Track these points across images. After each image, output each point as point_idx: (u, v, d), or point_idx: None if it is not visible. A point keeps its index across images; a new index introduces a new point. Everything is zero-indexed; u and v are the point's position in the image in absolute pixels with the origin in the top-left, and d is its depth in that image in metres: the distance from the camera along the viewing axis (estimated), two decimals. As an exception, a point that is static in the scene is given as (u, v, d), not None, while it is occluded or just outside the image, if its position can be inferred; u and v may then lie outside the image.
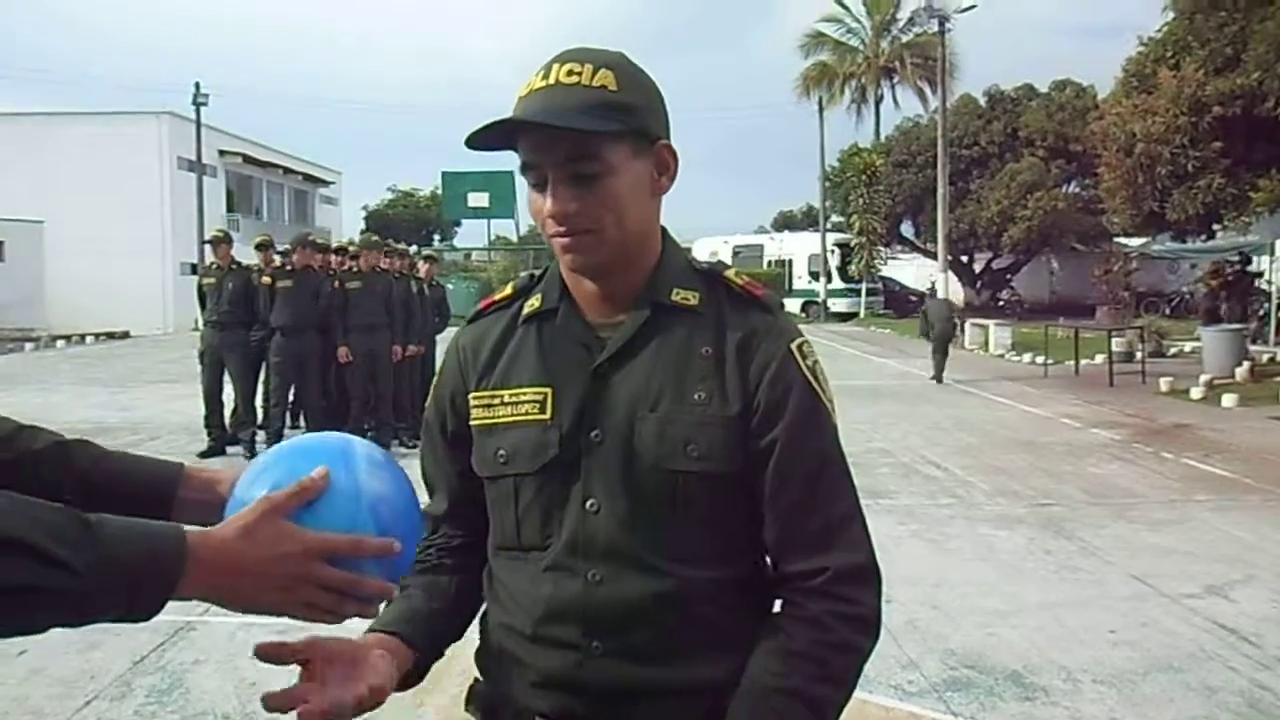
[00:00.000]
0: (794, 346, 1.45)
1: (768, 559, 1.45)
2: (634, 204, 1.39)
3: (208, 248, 10.50)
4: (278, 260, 10.18)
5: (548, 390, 1.44)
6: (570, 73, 1.35)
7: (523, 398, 1.45)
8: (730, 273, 1.50)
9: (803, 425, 1.40)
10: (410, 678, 1.47)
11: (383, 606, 1.43)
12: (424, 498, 1.52)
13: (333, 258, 10.50)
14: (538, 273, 1.56)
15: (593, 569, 1.39)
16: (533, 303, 1.51)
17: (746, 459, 1.39)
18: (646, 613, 1.37)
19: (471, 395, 1.50)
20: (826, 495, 1.41)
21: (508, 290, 1.57)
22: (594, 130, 1.33)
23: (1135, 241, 26.23)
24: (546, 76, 1.37)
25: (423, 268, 11.44)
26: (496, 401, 1.47)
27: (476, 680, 1.56)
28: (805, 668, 1.34)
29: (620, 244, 1.39)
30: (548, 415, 1.43)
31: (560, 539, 1.42)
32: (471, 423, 1.50)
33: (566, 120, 1.32)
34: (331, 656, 1.34)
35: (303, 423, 10.13)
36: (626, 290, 1.44)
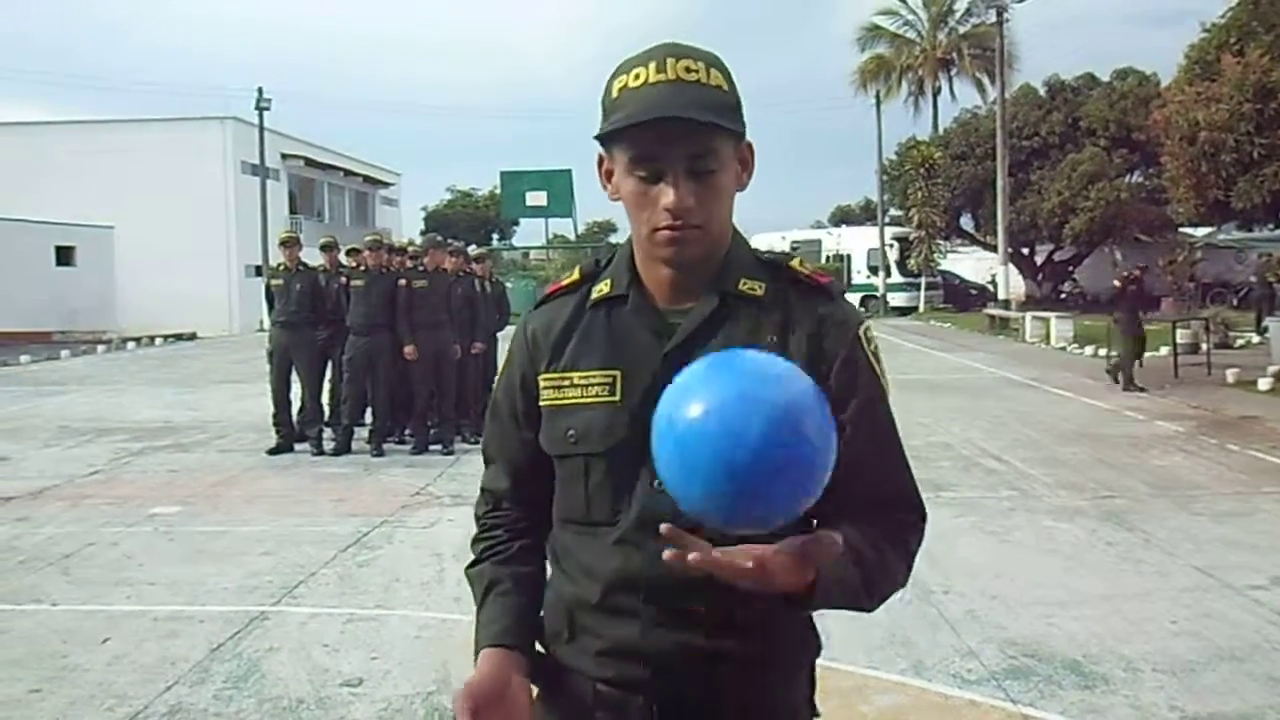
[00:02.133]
0: (861, 333, 1.53)
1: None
2: (730, 200, 1.50)
3: (276, 249, 10.72)
4: (343, 260, 10.39)
5: (617, 373, 1.50)
6: (689, 70, 1.42)
7: (593, 380, 1.51)
8: (795, 262, 1.58)
9: (872, 405, 1.51)
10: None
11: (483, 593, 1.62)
12: (477, 475, 1.63)
13: (397, 258, 10.66)
14: (603, 258, 1.62)
15: (660, 544, 1.42)
16: (601, 288, 1.56)
17: None
18: (707, 586, 1.41)
19: (541, 376, 1.56)
20: (895, 465, 1.55)
21: (575, 275, 1.62)
22: (734, 130, 1.43)
23: (1201, 231, 25.78)
24: (662, 70, 1.41)
25: (479, 267, 11.58)
26: (566, 383, 1.53)
27: (540, 654, 1.62)
28: (871, 541, 1.45)
29: (717, 238, 1.49)
30: (617, 397, 1.49)
31: (630, 515, 1.49)
32: (541, 403, 1.56)
33: (707, 118, 1.40)
34: (489, 701, 1.46)
35: (369, 419, 10.32)
36: (698, 279, 1.51)
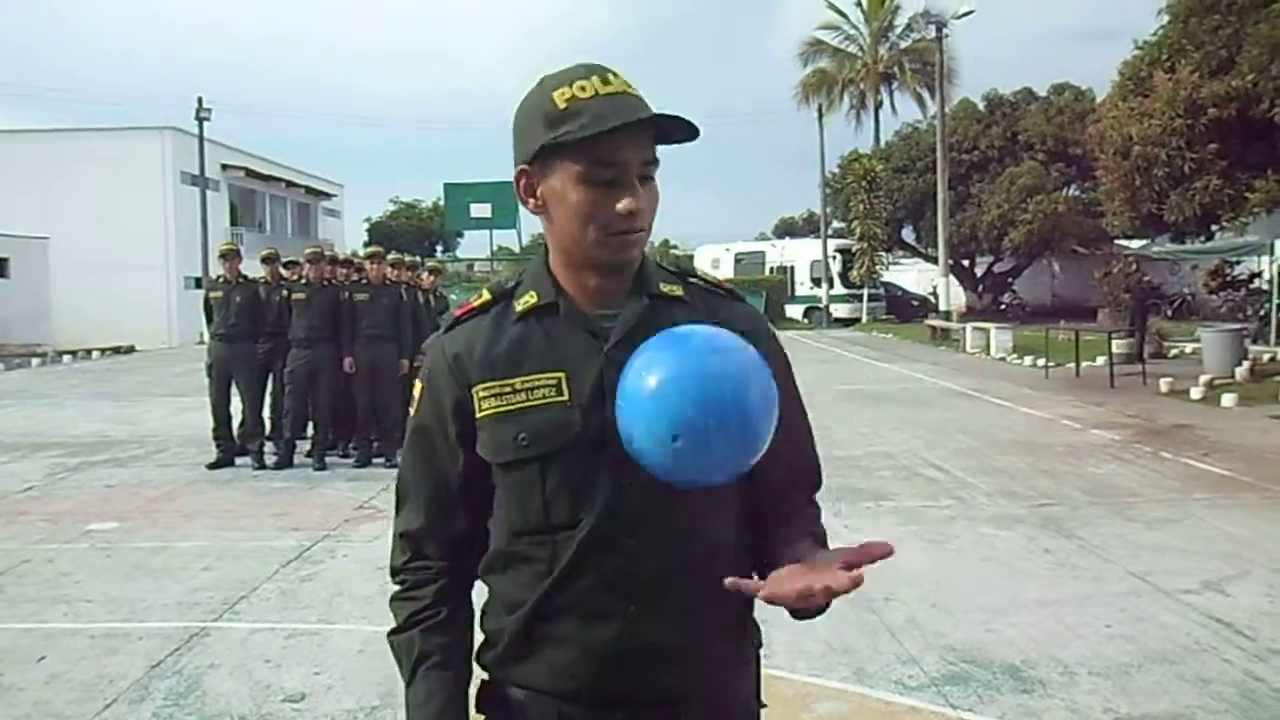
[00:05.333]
0: (769, 326, 1.68)
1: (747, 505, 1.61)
2: None
3: (216, 261, 10.61)
4: (284, 273, 10.30)
5: (562, 374, 1.51)
6: (626, 83, 1.49)
7: (539, 383, 1.52)
8: (699, 273, 1.67)
9: (789, 389, 1.60)
10: None
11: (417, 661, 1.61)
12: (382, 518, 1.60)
13: (339, 270, 10.59)
14: (511, 278, 1.64)
15: (630, 539, 1.48)
16: (527, 299, 1.57)
17: None
18: (680, 577, 1.50)
19: (477, 388, 1.54)
20: (809, 438, 1.70)
21: (485, 296, 1.63)
22: (690, 138, 1.50)
23: (1135, 244, 26.28)
24: (608, 83, 1.47)
25: (426, 279, 11.53)
26: (508, 390, 1.52)
27: (485, 682, 1.62)
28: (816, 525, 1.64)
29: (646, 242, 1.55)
30: (565, 396, 1.51)
31: (593, 513, 1.49)
32: (481, 415, 1.54)
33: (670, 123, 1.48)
34: None
35: (310, 432, 10.22)
36: (620, 285, 1.55)
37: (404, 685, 1.60)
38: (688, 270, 1.66)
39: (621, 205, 1.45)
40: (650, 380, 1.34)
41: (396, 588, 1.65)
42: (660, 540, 1.49)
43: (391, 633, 1.63)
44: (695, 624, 1.52)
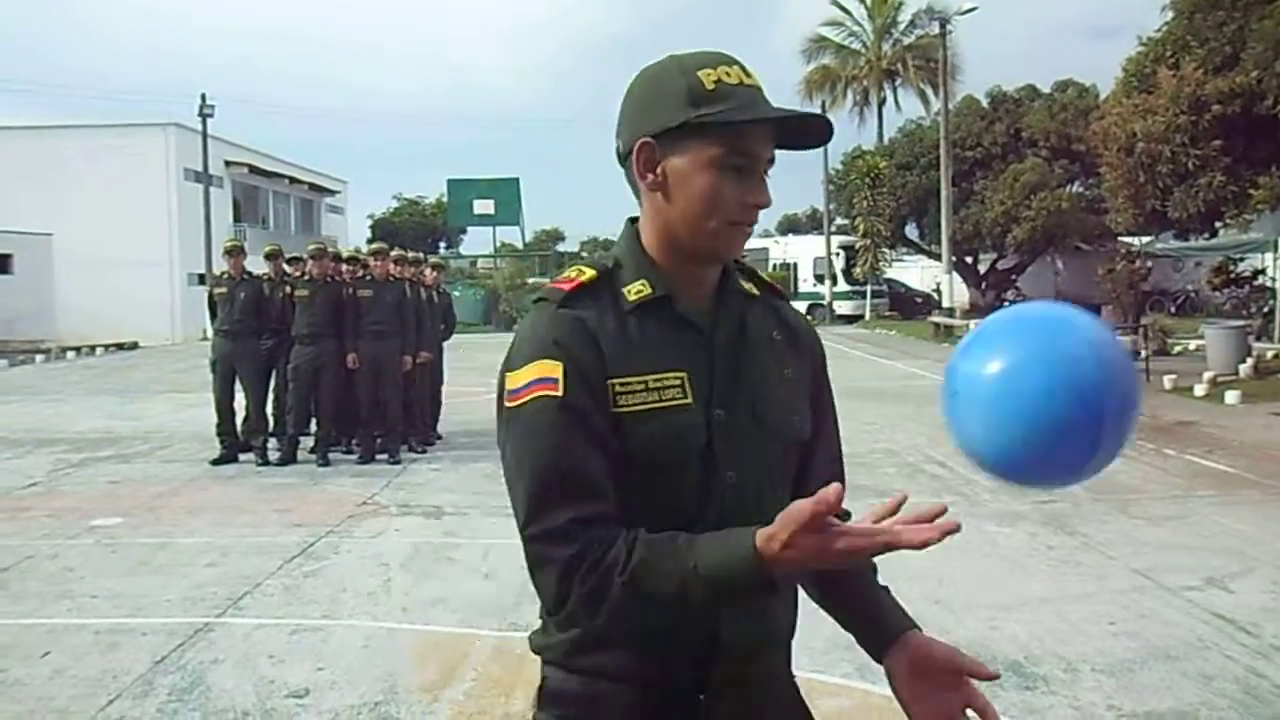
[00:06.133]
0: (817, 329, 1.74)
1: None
2: None
3: (220, 258, 10.62)
4: (287, 269, 10.31)
5: (684, 374, 1.48)
6: (757, 77, 1.51)
7: (666, 382, 1.47)
8: (758, 271, 1.70)
9: (828, 391, 1.72)
10: None
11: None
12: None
13: (343, 266, 10.61)
14: (606, 258, 1.58)
15: None
16: (639, 289, 1.51)
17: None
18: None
19: (613, 381, 1.46)
20: (839, 435, 1.75)
21: (591, 273, 1.54)
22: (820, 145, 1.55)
23: (1139, 241, 26.23)
24: (748, 75, 1.48)
25: (429, 275, 11.54)
26: (640, 387, 1.46)
27: (545, 679, 1.57)
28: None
29: None
30: (689, 398, 1.48)
31: (709, 513, 1.47)
32: (619, 409, 1.45)
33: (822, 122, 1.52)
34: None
35: (314, 428, 10.24)
36: (712, 279, 1.57)
37: (686, 567, 1.35)
38: (751, 268, 1.67)
39: (752, 197, 1.47)
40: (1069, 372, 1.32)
41: (586, 575, 1.38)
42: None
43: (627, 584, 1.36)
44: (770, 622, 1.57)
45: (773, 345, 1.60)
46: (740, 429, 1.51)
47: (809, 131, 1.50)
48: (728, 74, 1.45)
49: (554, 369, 1.43)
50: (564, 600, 1.39)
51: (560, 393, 1.42)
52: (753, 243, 39.18)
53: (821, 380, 1.69)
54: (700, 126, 1.43)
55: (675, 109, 1.45)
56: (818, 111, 1.50)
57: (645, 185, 1.50)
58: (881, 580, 1.70)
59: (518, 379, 1.45)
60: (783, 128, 1.48)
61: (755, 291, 1.62)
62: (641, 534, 1.39)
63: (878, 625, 1.64)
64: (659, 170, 1.48)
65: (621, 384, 1.45)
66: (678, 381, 1.48)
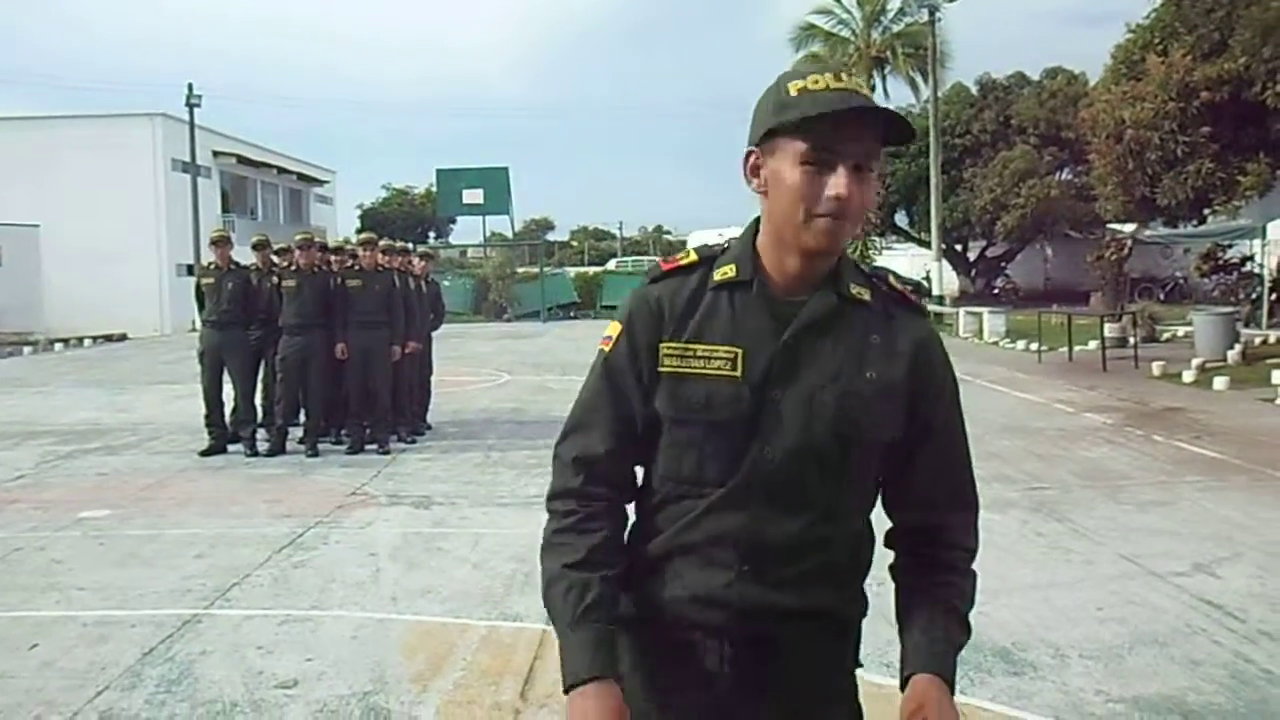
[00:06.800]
0: (941, 343, 1.76)
1: (899, 511, 1.80)
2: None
3: (208, 248, 10.57)
4: (276, 259, 10.26)
5: (739, 351, 1.64)
6: (860, 84, 1.58)
7: (716, 354, 1.64)
8: (891, 278, 1.75)
9: (954, 407, 1.76)
10: None
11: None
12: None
13: (332, 256, 10.57)
14: (723, 245, 1.74)
15: (759, 508, 1.63)
16: (726, 271, 1.68)
17: (905, 432, 1.69)
18: (794, 550, 1.64)
19: (664, 345, 1.67)
20: (968, 461, 1.82)
21: (692, 256, 1.74)
22: (906, 137, 1.60)
23: (1127, 228, 26.28)
24: (840, 80, 1.57)
25: (418, 264, 11.50)
26: (690, 354, 1.65)
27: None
28: (958, 593, 1.85)
29: (851, 235, 1.65)
30: (738, 373, 1.63)
31: (737, 479, 1.64)
32: (662, 369, 1.67)
33: (894, 115, 1.60)
34: None
35: (302, 419, 10.21)
36: (816, 274, 1.65)
37: (559, 620, 1.65)
38: (884, 274, 1.75)
39: (829, 189, 1.55)
40: None
41: (562, 512, 1.71)
42: (782, 516, 1.63)
43: (567, 566, 1.66)
44: (799, 590, 1.65)
45: (863, 346, 1.66)
46: (793, 413, 1.62)
47: (894, 125, 1.59)
48: (815, 81, 1.57)
49: (615, 330, 1.72)
50: (549, 513, 1.72)
51: (609, 350, 1.72)
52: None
53: (933, 400, 1.71)
54: (782, 129, 1.58)
55: (766, 119, 1.61)
56: (869, 105, 1.55)
57: (753, 189, 1.66)
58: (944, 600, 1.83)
59: (605, 332, 1.75)
60: (884, 125, 1.58)
61: (864, 297, 1.68)
62: (604, 534, 1.68)
63: (904, 659, 1.73)
64: (761, 175, 1.64)
65: (670, 348, 1.66)
66: (730, 355, 1.63)
